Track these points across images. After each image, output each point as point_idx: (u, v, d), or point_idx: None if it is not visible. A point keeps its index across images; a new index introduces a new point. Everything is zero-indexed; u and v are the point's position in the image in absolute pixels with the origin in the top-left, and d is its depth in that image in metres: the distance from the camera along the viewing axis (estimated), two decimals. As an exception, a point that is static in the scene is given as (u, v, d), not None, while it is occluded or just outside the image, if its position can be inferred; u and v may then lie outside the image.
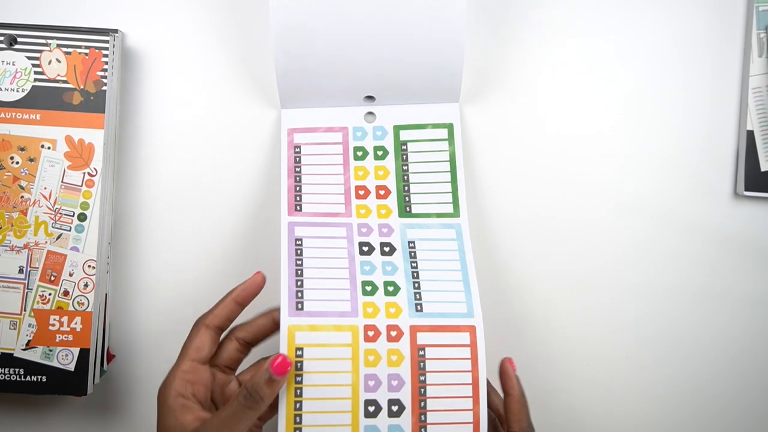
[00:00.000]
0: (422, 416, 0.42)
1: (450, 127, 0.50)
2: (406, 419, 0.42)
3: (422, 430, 0.42)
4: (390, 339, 0.43)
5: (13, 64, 0.47)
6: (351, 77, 0.48)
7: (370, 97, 0.47)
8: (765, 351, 0.52)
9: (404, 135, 0.51)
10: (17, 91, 0.47)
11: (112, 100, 0.48)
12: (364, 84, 0.48)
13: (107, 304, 0.49)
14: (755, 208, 0.52)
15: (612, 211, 0.52)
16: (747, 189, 0.51)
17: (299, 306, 0.43)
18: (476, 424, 0.42)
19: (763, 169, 0.51)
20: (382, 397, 0.42)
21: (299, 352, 0.42)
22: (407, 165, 0.51)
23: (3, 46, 0.47)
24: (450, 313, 0.44)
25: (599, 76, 0.52)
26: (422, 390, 0.42)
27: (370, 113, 0.50)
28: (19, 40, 0.47)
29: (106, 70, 0.47)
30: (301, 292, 0.44)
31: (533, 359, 0.52)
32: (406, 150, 0.51)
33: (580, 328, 0.52)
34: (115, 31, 0.48)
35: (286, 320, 0.42)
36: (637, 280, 0.52)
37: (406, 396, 0.42)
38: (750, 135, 0.51)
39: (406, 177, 0.51)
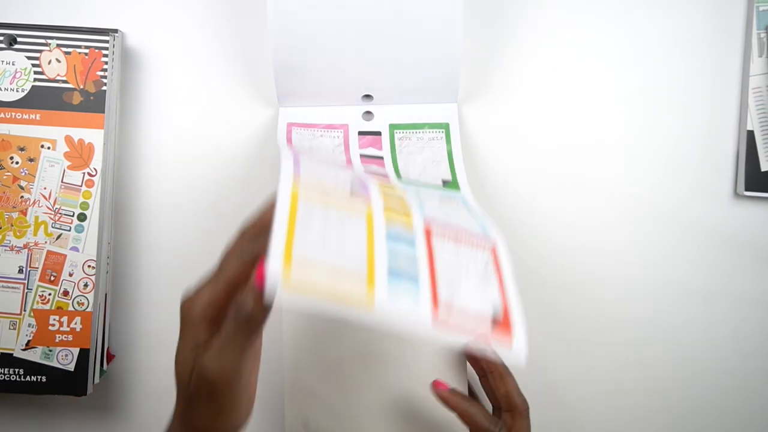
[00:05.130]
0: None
1: (446, 127, 0.50)
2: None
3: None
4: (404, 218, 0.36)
5: (13, 64, 0.47)
6: (349, 75, 0.48)
7: (368, 96, 0.47)
8: (765, 350, 0.52)
9: (400, 135, 0.51)
10: (17, 91, 0.47)
11: (112, 100, 0.48)
12: (362, 82, 0.48)
13: (107, 304, 0.49)
14: (755, 208, 0.52)
15: (612, 211, 0.52)
16: (747, 189, 0.51)
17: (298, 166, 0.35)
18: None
19: (763, 169, 0.51)
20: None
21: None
22: (405, 166, 0.51)
23: (3, 46, 0.47)
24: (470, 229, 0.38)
25: (599, 76, 0.52)
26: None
27: (368, 112, 0.50)
28: (19, 40, 0.47)
29: (106, 70, 0.47)
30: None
31: (532, 359, 0.52)
32: (402, 151, 0.51)
33: (580, 328, 0.52)
34: (115, 31, 0.48)
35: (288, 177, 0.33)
36: (637, 280, 0.52)
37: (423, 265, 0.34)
38: (750, 135, 0.51)
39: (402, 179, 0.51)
